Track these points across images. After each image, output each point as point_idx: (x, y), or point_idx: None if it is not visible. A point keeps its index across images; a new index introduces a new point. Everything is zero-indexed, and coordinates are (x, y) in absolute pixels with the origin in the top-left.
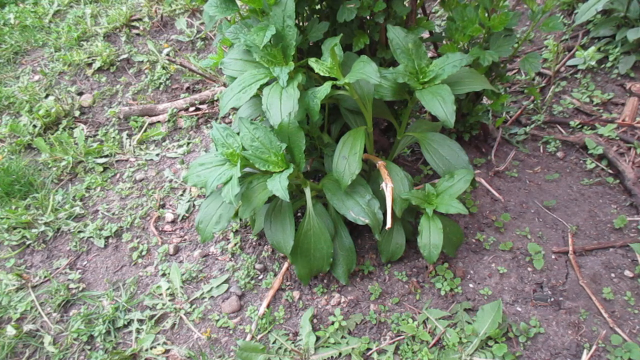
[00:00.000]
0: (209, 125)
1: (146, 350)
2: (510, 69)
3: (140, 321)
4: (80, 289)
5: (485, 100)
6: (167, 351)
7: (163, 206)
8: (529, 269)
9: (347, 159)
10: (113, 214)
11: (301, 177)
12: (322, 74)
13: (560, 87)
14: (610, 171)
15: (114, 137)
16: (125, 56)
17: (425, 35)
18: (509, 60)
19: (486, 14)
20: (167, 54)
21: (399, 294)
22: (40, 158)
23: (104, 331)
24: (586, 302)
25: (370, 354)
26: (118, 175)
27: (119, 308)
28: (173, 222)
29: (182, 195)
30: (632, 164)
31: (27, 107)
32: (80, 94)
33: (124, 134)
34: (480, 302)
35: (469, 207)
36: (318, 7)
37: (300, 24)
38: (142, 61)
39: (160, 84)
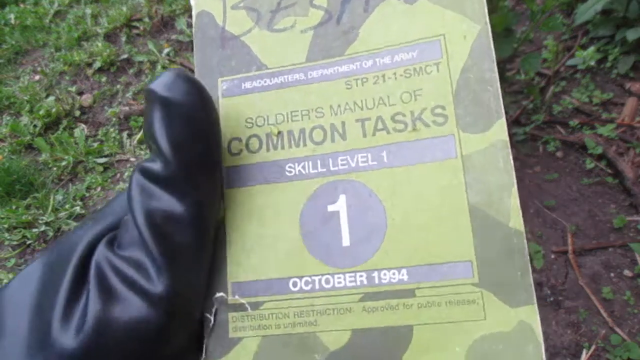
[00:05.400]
0: None
1: None
2: (510, 69)
3: None
4: None
5: None
6: None
7: None
8: None
9: None
10: None
11: None
12: None
13: (559, 87)
14: (610, 171)
15: (114, 137)
16: (125, 56)
17: None
18: (509, 60)
19: None
20: (167, 54)
21: None
22: (40, 158)
23: None
24: (586, 302)
25: None
26: (118, 175)
27: None
28: None
29: None
30: (631, 163)
31: (28, 107)
32: (81, 93)
33: (124, 134)
34: None
35: None
36: None
37: None
38: (143, 61)
39: None
